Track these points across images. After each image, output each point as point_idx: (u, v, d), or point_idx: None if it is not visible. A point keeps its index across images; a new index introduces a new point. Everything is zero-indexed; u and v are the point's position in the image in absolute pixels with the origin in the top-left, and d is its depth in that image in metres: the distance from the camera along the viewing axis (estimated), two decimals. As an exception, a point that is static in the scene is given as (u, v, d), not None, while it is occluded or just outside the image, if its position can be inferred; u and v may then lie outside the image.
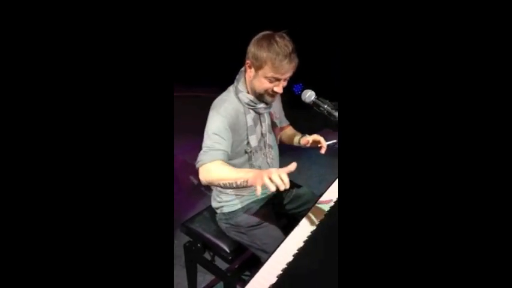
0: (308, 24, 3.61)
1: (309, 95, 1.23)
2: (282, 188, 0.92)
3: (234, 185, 1.09)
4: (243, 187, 1.07)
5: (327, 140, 1.32)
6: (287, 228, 1.20)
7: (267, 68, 1.13)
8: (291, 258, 0.89)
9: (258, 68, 1.16)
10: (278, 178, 0.91)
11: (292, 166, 0.97)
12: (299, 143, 1.40)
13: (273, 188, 0.91)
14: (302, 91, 1.25)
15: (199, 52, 4.39)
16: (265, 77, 1.15)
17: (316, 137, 1.32)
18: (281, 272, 0.84)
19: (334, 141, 1.28)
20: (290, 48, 1.13)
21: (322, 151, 1.29)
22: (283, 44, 1.12)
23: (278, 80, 1.16)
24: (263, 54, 1.13)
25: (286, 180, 0.92)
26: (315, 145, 1.33)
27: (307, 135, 1.36)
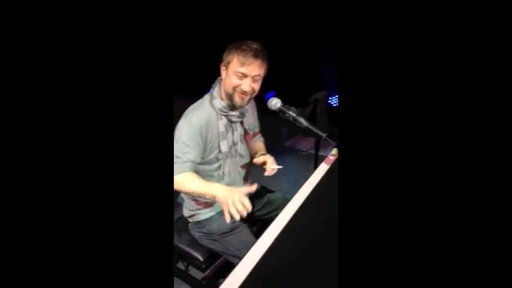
0: (288, 31, 3.71)
1: (274, 103, 1.27)
2: (244, 214, 1.06)
3: (202, 197, 1.21)
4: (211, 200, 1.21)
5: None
6: (260, 233, 1.22)
7: (234, 62, 1.19)
8: (258, 260, 0.91)
9: (227, 66, 1.22)
10: (241, 205, 1.06)
11: (253, 187, 1.18)
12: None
13: (237, 217, 1.05)
14: (275, 98, 1.30)
15: (196, 60, 4.36)
16: (234, 73, 1.19)
17: (266, 158, 1.38)
18: (248, 274, 0.86)
19: (280, 166, 1.37)
20: (257, 47, 1.20)
21: (265, 173, 1.35)
22: (251, 43, 1.21)
23: (246, 76, 1.19)
24: (232, 52, 1.20)
25: (247, 204, 1.06)
26: (264, 165, 1.38)
27: (265, 155, 1.41)
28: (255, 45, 1.20)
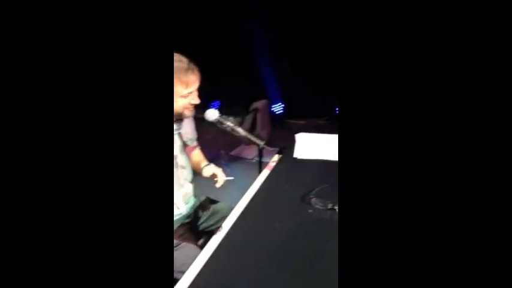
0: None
1: (211, 114, 1.29)
2: None
3: None
4: None
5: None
6: (206, 245, 1.22)
7: (178, 87, 1.16)
8: (198, 271, 0.92)
9: None
10: None
11: None
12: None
13: None
14: (219, 108, 1.31)
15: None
16: (180, 96, 1.18)
17: (216, 171, 1.39)
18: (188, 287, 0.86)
19: (231, 178, 1.38)
20: (185, 60, 1.19)
21: (217, 185, 1.36)
22: (177, 60, 1.18)
23: (191, 92, 1.20)
24: None
25: None
26: (214, 177, 1.39)
27: (211, 166, 1.41)
28: (181, 60, 1.18)
